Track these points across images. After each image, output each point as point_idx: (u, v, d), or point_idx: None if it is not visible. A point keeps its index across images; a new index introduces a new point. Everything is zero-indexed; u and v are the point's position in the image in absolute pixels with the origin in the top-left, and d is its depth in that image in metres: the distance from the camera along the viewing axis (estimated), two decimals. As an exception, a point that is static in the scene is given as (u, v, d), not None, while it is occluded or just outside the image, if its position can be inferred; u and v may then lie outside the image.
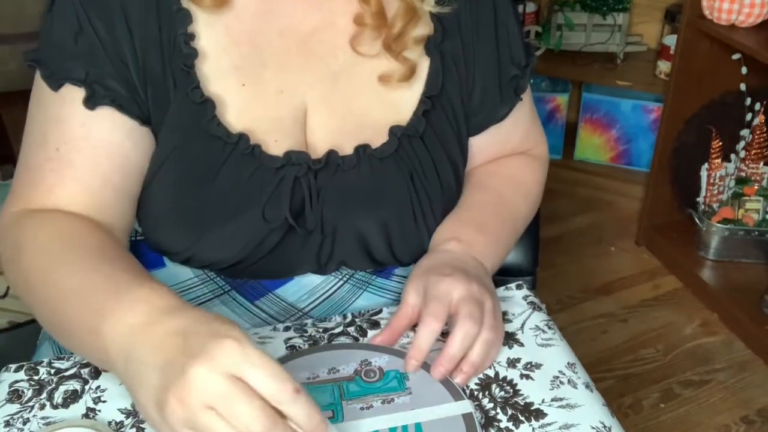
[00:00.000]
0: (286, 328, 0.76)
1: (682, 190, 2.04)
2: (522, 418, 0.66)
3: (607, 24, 2.32)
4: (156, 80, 0.74)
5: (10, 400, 0.67)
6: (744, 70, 1.76)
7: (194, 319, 0.58)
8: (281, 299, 0.83)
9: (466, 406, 0.66)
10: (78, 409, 0.66)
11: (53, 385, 0.69)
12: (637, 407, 1.66)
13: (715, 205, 1.92)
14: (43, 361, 0.71)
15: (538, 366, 0.71)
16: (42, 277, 0.68)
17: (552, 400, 0.68)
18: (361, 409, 0.65)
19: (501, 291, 0.80)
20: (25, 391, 0.68)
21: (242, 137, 0.74)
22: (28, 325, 1.24)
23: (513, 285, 0.82)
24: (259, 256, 0.79)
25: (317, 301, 0.84)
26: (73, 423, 0.64)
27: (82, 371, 0.70)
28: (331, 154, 0.77)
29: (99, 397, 0.67)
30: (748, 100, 1.80)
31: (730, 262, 1.94)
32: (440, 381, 0.68)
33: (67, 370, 0.70)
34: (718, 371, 1.75)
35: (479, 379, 0.70)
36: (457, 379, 0.68)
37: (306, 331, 0.75)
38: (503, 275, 0.89)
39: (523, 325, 0.76)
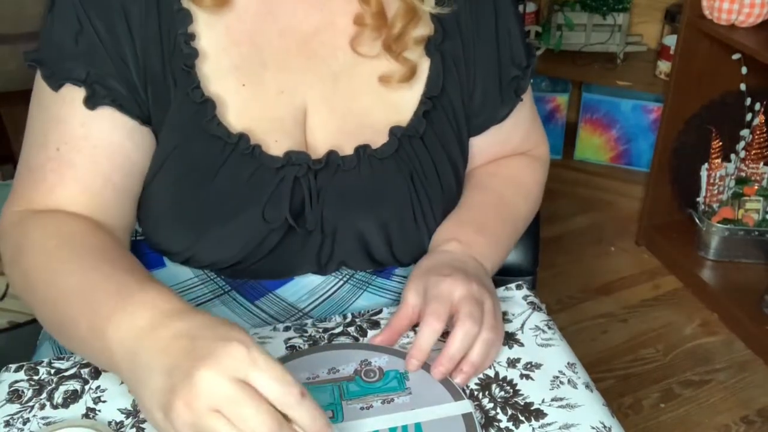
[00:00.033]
0: (286, 328, 0.76)
1: (682, 190, 2.04)
2: (522, 418, 0.66)
3: (607, 24, 2.32)
4: (156, 80, 0.74)
5: (10, 400, 0.67)
6: (744, 70, 1.76)
7: (200, 323, 0.58)
8: (281, 299, 0.83)
9: (466, 406, 0.66)
10: (78, 409, 0.66)
11: (53, 385, 0.69)
12: (637, 407, 1.66)
13: (715, 205, 1.92)
14: (43, 361, 0.71)
15: (538, 366, 0.71)
16: (43, 276, 0.68)
17: (552, 400, 0.68)
18: (361, 409, 0.65)
19: (501, 291, 0.80)
20: (25, 391, 0.68)
21: (242, 137, 0.74)
22: (28, 325, 1.24)
23: (513, 285, 0.82)
24: (259, 257, 0.79)
25: (317, 302, 0.84)
26: (73, 423, 0.64)
27: (82, 371, 0.70)
28: (331, 154, 0.77)
29: (99, 397, 0.67)
30: (748, 100, 1.80)
31: (730, 262, 1.94)
32: (440, 381, 0.68)
33: (67, 370, 0.70)
34: (718, 371, 1.75)
35: (479, 379, 0.70)
36: (457, 379, 0.68)
37: (306, 331, 0.75)
38: (503, 275, 0.89)
39: (523, 325, 0.76)
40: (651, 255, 2.11)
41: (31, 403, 0.67)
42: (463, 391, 0.68)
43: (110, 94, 0.72)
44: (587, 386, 0.70)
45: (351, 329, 0.75)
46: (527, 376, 0.70)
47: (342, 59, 0.78)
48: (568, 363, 0.72)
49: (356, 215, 0.78)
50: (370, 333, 0.75)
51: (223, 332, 0.56)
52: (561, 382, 0.69)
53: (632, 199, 2.29)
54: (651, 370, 1.75)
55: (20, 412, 0.66)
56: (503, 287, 0.81)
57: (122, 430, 0.64)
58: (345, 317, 0.77)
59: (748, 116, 1.83)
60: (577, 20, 2.32)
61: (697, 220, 1.93)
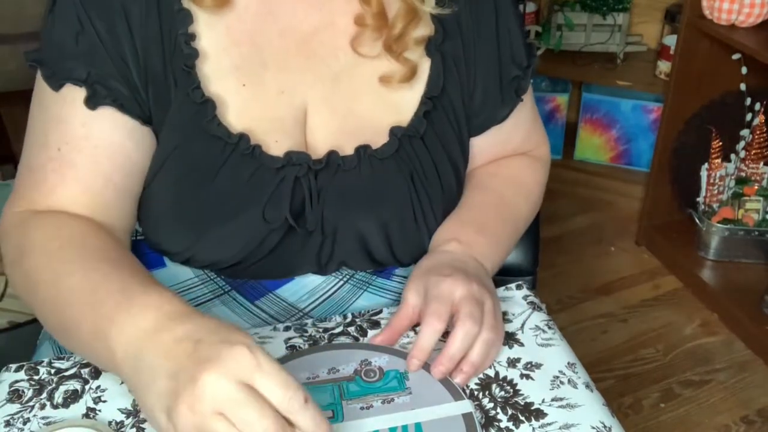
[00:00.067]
0: (286, 328, 0.76)
1: (682, 190, 2.04)
2: (522, 418, 0.66)
3: (607, 24, 2.32)
4: (157, 80, 0.74)
5: (10, 400, 0.67)
6: (744, 70, 1.76)
7: (203, 326, 0.58)
8: (281, 299, 0.83)
9: (466, 405, 0.66)
10: (78, 408, 0.66)
11: (53, 385, 0.69)
12: (637, 407, 1.66)
13: (715, 205, 1.92)
14: (43, 361, 0.71)
15: (538, 366, 0.71)
16: (44, 277, 0.68)
17: (552, 400, 0.68)
18: (361, 408, 0.65)
19: (501, 291, 0.80)
20: (26, 390, 0.68)
21: (242, 137, 0.74)
22: (28, 325, 1.24)
23: (513, 285, 0.82)
24: (260, 257, 0.79)
25: (317, 302, 0.84)
26: (73, 423, 0.64)
27: (82, 371, 0.70)
28: (332, 154, 0.77)
29: (99, 397, 0.67)
30: (748, 100, 1.80)
31: (730, 262, 1.94)
32: (440, 381, 0.68)
33: (67, 370, 0.70)
34: (718, 371, 1.75)
35: (479, 378, 0.70)
36: (457, 379, 0.68)
37: (306, 331, 0.75)
38: (503, 275, 0.89)
39: (523, 325, 0.76)
40: (651, 255, 2.11)
41: (31, 403, 0.67)
42: (464, 390, 0.68)
43: (111, 94, 0.72)
44: (587, 386, 0.70)
45: (351, 329, 0.75)
46: (527, 376, 0.70)
47: (342, 59, 0.78)
48: (568, 363, 0.72)
49: (356, 215, 0.78)
50: (371, 333, 0.75)
51: (227, 336, 0.56)
52: (561, 382, 0.69)
53: (632, 199, 2.29)
54: (651, 370, 1.75)
55: (20, 411, 0.66)
56: (503, 287, 0.81)
57: (122, 429, 0.64)
58: (345, 317, 0.77)
59: (748, 116, 1.83)
60: (577, 20, 2.32)
61: (697, 220, 1.93)
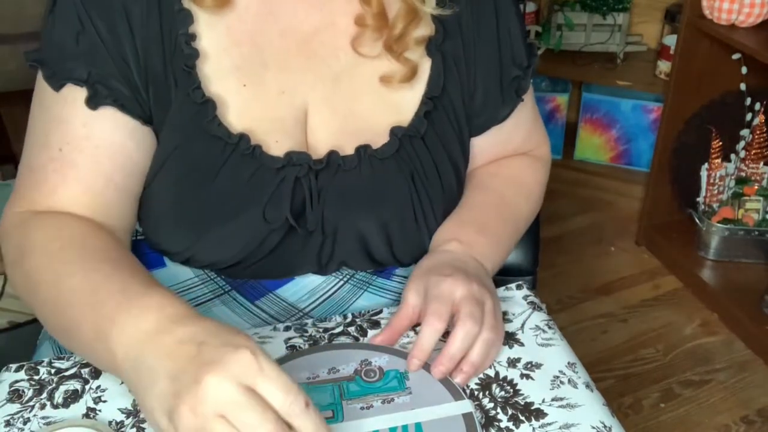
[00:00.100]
0: (287, 328, 0.76)
1: (682, 190, 2.04)
2: (522, 418, 0.66)
3: (607, 24, 2.32)
4: (157, 80, 0.74)
5: (10, 400, 0.67)
6: (744, 70, 1.76)
7: (205, 329, 0.58)
8: (282, 299, 0.83)
9: (466, 405, 0.66)
10: (78, 408, 0.66)
11: (54, 385, 0.69)
12: (637, 407, 1.66)
13: (715, 205, 1.92)
14: (43, 361, 0.71)
15: (538, 366, 0.71)
16: (45, 278, 0.68)
17: (552, 399, 0.68)
18: (361, 408, 0.65)
19: (501, 291, 0.80)
20: (26, 390, 0.68)
21: (243, 138, 0.74)
22: (28, 325, 1.24)
23: (513, 285, 0.82)
24: (260, 257, 0.79)
25: (318, 302, 0.84)
26: (73, 423, 0.64)
27: (82, 371, 0.70)
28: (332, 154, 0.77)
29: (99, 397, 0.67)
30: (748, 100, 1.80)
31: (730, 262, 1.94)
32: (440, 381, 0.68)
33: (67, 369, 0.70)
34: (718, 371, 1.75)
35: (479, 378, 0.70)
36: (457, 379, 0.68)
37: (306, 331, 0.75)
38: (503, 275, 0.89)
39: (523, 325, 0.76)
40: (651, 255, 2.11)
41: (31, 403, 0.67)
42: (464, 390, 0.68)
43: (112, 94, 0.72)
44: (587, 386, 0.70)
45: (351, 329, 0.75)
46: (527, 376, 0.70)
47: (343, 59, 0.78)
48: (568, 363, 0.72)
49: (357, 215, 0.78)
50: (371, 333, 0.75)
51: (230, 339, 0.56)
52: (561, 382, 0.69)
53: (632, 199, 2.29)
54: (651, 370, 1.75)
55: (21, 411, 0.66)
56: (503, 287, 0.81)
57: (123, 429, 0.64)
58: (345, 317, 0.77)
59: (748, 116, 1.83)
60: (577, 20, 2.32)
61: (697, 220, 1.93)
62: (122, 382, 0.68)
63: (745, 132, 1.84)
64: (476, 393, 0.68)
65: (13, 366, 0.71)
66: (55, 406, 0.66)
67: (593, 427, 0.65)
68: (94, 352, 0.64)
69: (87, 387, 0.68)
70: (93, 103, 0.72)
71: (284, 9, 0.77)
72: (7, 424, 0.65)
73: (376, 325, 0.76)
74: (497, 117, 0.86)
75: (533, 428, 0.65)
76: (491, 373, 0.70)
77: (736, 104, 1.83)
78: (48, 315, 0.70)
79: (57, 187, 0.73)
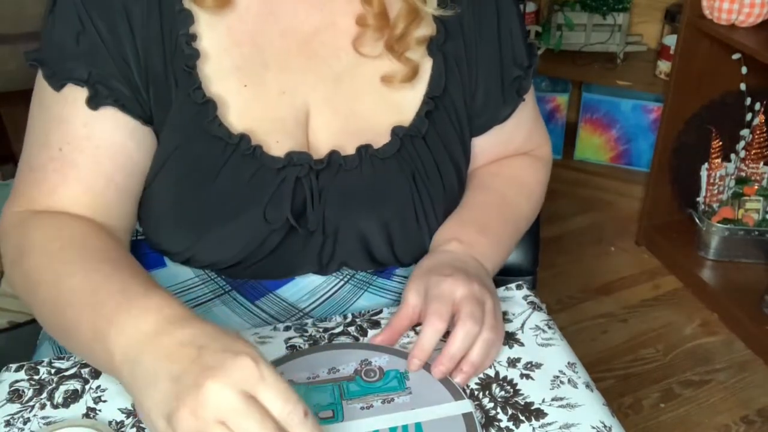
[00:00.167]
0: (287, 328, 0.76)
1: (682, 190, 2.04)
2: (522, 418, 0.66)
3: (607, 24, 2.32)
4: (158, 80, 0.74)
5: (10, 400, 0.67)
6: (744, 70, 1.76)
7: (205, 332, 0.58)
8: (282, 299, 0.83)
9: (466, 405, 0.66)
10: (78, 408, 0.66)
11: (53, 385, 0.69)
12: (637, 407, 1.66)
13: (715, 205, 1.92)
14: (43, 361, 0.71)
15: (538, 366, 0.71)
16: (45, 278, 0.68)
17: (552, 399, 0.68)
18: (361, 408, 0.65)
19: (501, 291, 0.81)
20: (26, 390, 0.68)
21: (243, 138, 0.74)
22: (28, 325, 1.24)
23: (513, 285, 0.82)
24: (260, 257, 0.79)
25: (318, 302, 0.84)
26: (73, 423, 0.64)
27: (82, 371, 0.70)
28: (333, 154, 0.77)
29: (99, 397, 0.67)
30: (748, 100, 1.80)
31: (730, 262, 1.94)
32: (440, 380, 0.68)
33: (67, 369, 0.70)
34: (718, 371, 1.75)
35: (479, 378, 0.70)
36: (457, 379, 0.68)
37: (306, 331, 0.75)
38: (503, 275, 0.89)
39: (523, 324, 0.76)
40: (651, 255, 2.11)
41: (31, 403, 0.67)
42: (464, 390, 0.68)
43: (113, 94, 0.72)
44: (587, 386, 0.70)
45: (351, 329, 0.75)
46: (527, 376, 0.70)
47: (344, 60, 0.78)
48: (568, 363, 0.72)
49: (358, 215, 0.78)
50: (371, 333, 0.75)
51: (230, 344, 0.56)
52: (561, 382, 0.69)
53: (632, 199, 2.29)
54: (651, 370, 1.75)
55: (21, 411, 0.66)
56: (503, 287, 0.81)
57: (123, 429, 0.64)
58: (345, 317, 0.77)
59: (748, 116, 1.83)
60: (577, 20, 2.32)
61: (697, 220, 1.93)
62: (122, 386, 0.68)
63: (745, 132, 1.84)
64: (476, 393, 0.68)
65: (13, 366, 0.71)
66: (55, 406, 0.66)
67: (593, 427, 0.65)
68: (92, 352, 0.64)
69: (87, 387, 0.68)
70: (94, 103, 0.72)
71: (285, 9, 0.77)
72: (7, 424, 0.65)
73: (376, 325, 0.76)
74: (498, 117, 0.86)
75: (533, 428, 0.65)
76: (491, 373, 0.70)
77: (736, 104, 1.83)
78: (47, 315, 0.70)
79: (57, 186, 0.73)
